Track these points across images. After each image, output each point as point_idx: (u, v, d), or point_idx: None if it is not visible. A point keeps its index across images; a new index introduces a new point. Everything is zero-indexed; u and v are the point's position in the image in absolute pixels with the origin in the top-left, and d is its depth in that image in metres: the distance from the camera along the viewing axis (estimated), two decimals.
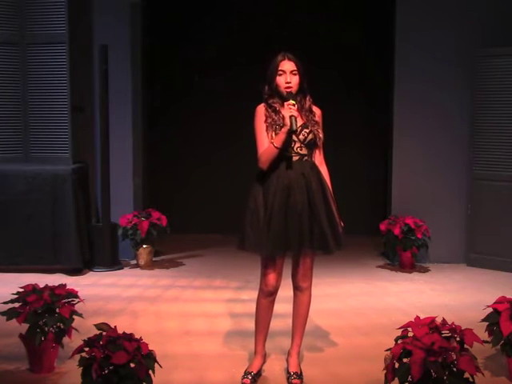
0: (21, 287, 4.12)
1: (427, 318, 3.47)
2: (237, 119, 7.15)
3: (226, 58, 8.06)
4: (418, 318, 3.50)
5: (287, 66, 3.77)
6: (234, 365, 4.09)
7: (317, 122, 3.85)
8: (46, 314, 3.93)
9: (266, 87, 3.83)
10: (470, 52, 6.60)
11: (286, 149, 3.73)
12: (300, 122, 3.76)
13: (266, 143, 3.74)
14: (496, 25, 6.58)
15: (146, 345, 3.43)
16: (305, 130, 3.79)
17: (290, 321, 4.04)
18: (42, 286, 4.11)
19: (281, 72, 3.77)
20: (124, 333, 3.44)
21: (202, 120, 8.15)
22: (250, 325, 4.14)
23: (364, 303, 5.48)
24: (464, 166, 6.75)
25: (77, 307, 4.07)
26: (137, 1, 6.93)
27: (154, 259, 6.81)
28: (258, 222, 3.73)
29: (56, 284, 4.15)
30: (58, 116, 6.45)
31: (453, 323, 3.44)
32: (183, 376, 3.98)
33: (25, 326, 3.94)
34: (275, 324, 4.13)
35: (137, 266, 6.65)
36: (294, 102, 3.70)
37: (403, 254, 6.60)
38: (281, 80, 3.77)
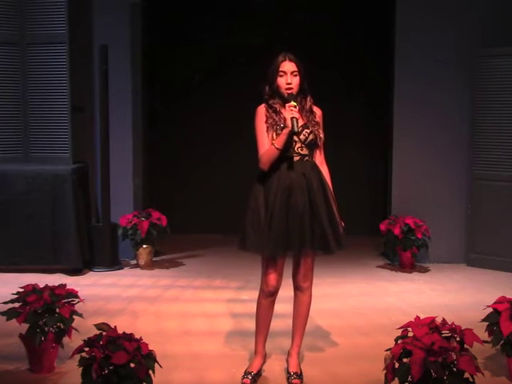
0: (21, 287, 4.12)
1: (427, 318, 3.47)
2: (237, 119, 7.16)
3: (226, 58, 8.06)
4: (417, 318, 3.50)
5: (288, 66, 3.77)
6: (234, 365, 4.09)
7: (317, 123, 3.85)
8: (45, 314, 3.93)
9: (267, 87, 3.83)
10: (470, 52, 6.60)
11: (287, 149, 3.74)
12: (301, 123, 3.76)
13: (267, 144, 3.74)
14: (496, 25, 6.58)
15: (146, 345, 3.43)
16: (305, 130, 3.79)
17: (290, 321, 4.04)
18: (41, 286, 4.11)
19: (281, 73, 3.77)
20: (124, 333, 3.44)
21: (202, 120, 8.15)
22: (250, 325, 4.15)
23: (364, 303, 5.48)
24: (464, 166, 6.75)
25: (77, 307, 4.07)
26: (137, 1, 6.93)
27: (154, 259, 6.81)
28: (258, 222, 3.73)
29: (56, 284, 4.15)
30: (58, 116, 6.45)
31: (453, 323, 3.44)
32: (183, 376, 3.98)
33: (25, 326, 3.93)
34: (275, 324, 4.13)
35: (137, 266, 6.65)
36: (295, 104, 3.70)
37: (403, 254, 6.60)
38: (281, 81, 3.77)
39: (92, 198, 6.85)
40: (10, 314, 3.97)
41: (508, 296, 3.99)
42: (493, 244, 6.55)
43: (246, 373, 3.89)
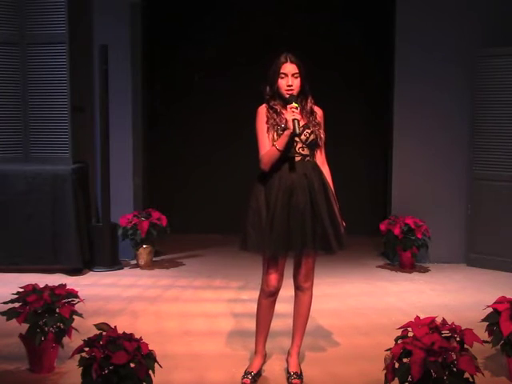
0: (21, 287, 4.13)
1: (427, 318, 3.47)
2: (237, 119, 7.16)
3: (226, 58, 8.06)
4: (417, 318, 3.50)
5: (289, 68, 3.76)
6: (234, 365, 4.09)
7: (318, 123, 3.85)
8: (46, 314, 3.93)
9: (268, 88, 3.83)
10: (470, 52, 6.60)
11: (288, 150, 3.74)
12: (301, 123, 3.76)
13: (268, 144, 3.74)
14: (496, 25, 6.58)
15: (146, 345, 3.43)
16: (306, 130, 3.79)
17: (290, 321, 4.04)
18: (42, 286, 4.11)
19: (282, 75, 3.77)
20: (124, 333, 3.44)
21: (202, 120, 8.15)
22: (250, 325, 4.15)
23: (364, 303, 5.48)
24: (464, 166, 6.75)
25: (77, 307, 4.07)
26: (137, 1, 6.93)
27: (154, 259, 6.81)
28: (260, 223, 3.73)
29: (56, 284, 4.15)
30: (58, 116, 6.45)
31: (453, 323, 3.44)
32: (183, 376, 3.98)
33: (25, 326, 3.93)
34: (276, 324, 4.13)
35: (137, 266, 6.65)
36: (296, 105, 3.71)
37: (403, 254, 6.60)
38: (282, 83, 3.77)
39: (92, 198, 6.85)
40: (9, 314, 3.97)
41: (508, 296, 3.99)
42: (493, 244, 6.55)
43: (246, 373, 3.89)
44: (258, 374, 3.93)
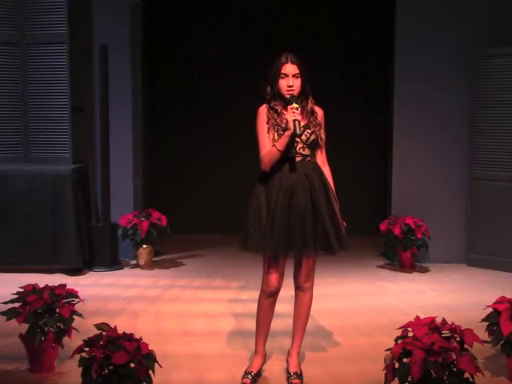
0: (21, 287, 4.12)
1: (427, 317, 3.47)
2: (237, 119, 7.16)
3: (226, 58, 8.06)
4: (417, 317, 3.50)
5: (290, 69, 3.76)
6: (234, 365, 4.09)
7: (319, 123, 3.85)
8: (46, 314, 3.93)
9: (268, 88, 3.83)
10: (470, 52, 6.60)
11: (288, 150, 3.74)
12: (302, 123, 3.76)
13: (268, 144, 3.74)
14: (496, 25, 6.58)
15: (146, 345, 3.43)
16: (307, 130, 3.79)
17: (290, 321, 4.04)
18: (41, 286, 4.11)
19: (283, 75, 3.77)
20: (124, 333, 3.44)
21: (202, 120, 8.14)
22: (250, 325, 4.15)
23: (364, 303, 5.48)
24: (464, 166, 6.75)
25: (77, 307, 4.07)
26: (137, 1, 6.93)
27: (154, 259, 6.81)
28: (260, 223, 3.73)
29: (56, 284, 4.15)
30: (58, 116, 6.45)
31: (453, 323, 3.44)
32: (183, 376, 3.98)
33: (25, 326, 3.93)
34: (276, 324, 4.13)
35: (137, 266, 6.65)
36: (297, 106, 3.71)
37: (403, 254, 6.60)
38: (283, 83, 3.77)
39: (92, 198, 6.85)
40: (10, 314, 3.97)
41: (508, 296, 3.99)
42: (493, 244, 6.55)
43: (246, 373, 3.89)
44: (258, 374, 3.93)
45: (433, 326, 3.39)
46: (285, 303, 4.30)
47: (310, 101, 3.86)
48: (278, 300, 3.90)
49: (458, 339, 3.34)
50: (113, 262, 6.52)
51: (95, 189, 6.82)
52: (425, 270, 6.61)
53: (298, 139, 3.75)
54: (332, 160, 4.00)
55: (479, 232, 6.67)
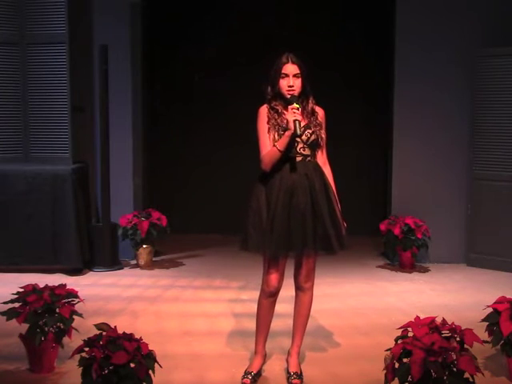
0: (21, 287, 4.12)
1: (427, 318, 3.47)
2: (237, 119, 7.17)
3: (226, 58, 8.06)
4: (417, 317, 3.50)
5: (290, 69, 3.76)
6: (234, 365, 4.09)
7: (319, 123, 3.85)
8: (46, 314, 3.93)
9: (269, 88, 3.83)
10: (470, 52, 6.60)
11: (289, 150, 3.74)
12: (303, 123, 3.76)
13: (269, 144, 3.74)
14: (496, 25, 6.58)
15: (146, 345, 3.43)
16: (307, 130, 3.79)
17: (290, 321, 4.04)
18: (42, 286, 4.11)
19: (284, 75, 3.77)
20: (124, 333, 3.44)
21: (202, 120, 8.15)
22: (250, 325, 4.15)
23: (364, 303, 5.48)
24: (464, 166, 6.75)
25: (77, 307, 4.07)
26: (137, 1, 6.93)
27: (154, 259, 6.81)
28: (260, 223, 3.73)
29: (56, 284, 4.15)
30: (58, 116, 6.45)
31: (453, 323, 3.44)
32: (183, 376, 3.98)
33: (25, 326, 3.93)
34: (276, 324, 4.13)
35: (137, 266, 6.65)
36: (298, 106, 3.71)
37: (403, 254, 6.60)
38: (283, 83, 3.77)
39: (92, 198, 6.85)
40: (10, 314, 3.97)
41: (508, 296, 3.99)
42: (493, 244, 6.55)
43: (246, 373, 3.89)
44: (258, 374, 3.93)
45: (433, 325, 3.39)
46: (285, 303, 4.30)
47: (310, 101, 3.86)
48: (278, 300, 3.90)
49: (457, 339, 3.34)
50: (113, 262, 6.52)
51: (95, 189, 6.82)
52: (425, 270, 6.61)
53: (298, 139, 3.75)
54: (332, 160, 4.00)
55: (479, 232, 6.67)
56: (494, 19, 6.60)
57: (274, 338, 4.30)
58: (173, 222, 6.89)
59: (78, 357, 3.42)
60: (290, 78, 3.76)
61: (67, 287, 4.14)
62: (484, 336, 3.77)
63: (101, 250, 6.47)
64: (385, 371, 3.37)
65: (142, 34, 7.10)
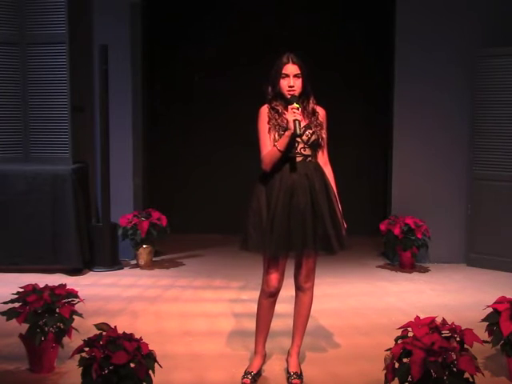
0: (21, 287, 4.12)
1: (427, 318, 3.47)
2: (237, 119, 7.17)
3: (226, 58, 8.06)
4: (417, 317, 3.50)
5: (291, 69, 3.76)
6: (234, 365, 4.09)
7: (320, 123, 3.85)
8: (46, 314, 3.93)
9: (270, 88, 3.83)
10: (470, 52, 6.60)
11: (289, 150, 3.74)
12: (303, 124, 3.76)
13: (269, 144, 3.74)
14: (496, 25, 6.58)
15: (146, 345, 3.43)
16: (308, 131, 3.79)
17: (290, 321, 4.04)
18: (41, 286, 4.11)
19: (284, 75, 3.77)
20: (124, 333, 3.44)
21: (202, 120, 8.14)
22: (250, 325, 4.15)
23: (364, 303, 5.48)
24: (464, 166, 6.75)
25: (77, 307, 4.07)
26: (137, 1, 6.93)
27: (154, 259, 6.81)
28: (260, 223, 3.73)
29: (56, 284, 4.15)
30: (58, 116, 6.45)
31: (453, 323, 3.44)
32: (183, 376, 3.98)
33: (25, 326, 3.93)
34: (276, 324, 4.14)
35: (137, 265, 6.65)
36: (298, 106, 3.71)
37: (403, 254, 6.60)
38: (284, 83, 3.77)
39: (92, 198, 6.85)
40: (9, 314, 3.97)
41: (508, 296, 3.99)
42: (493, 244, 6.55)
43: (246, 373, 3.89)
44: (258, 373, 3.93)
45: (433, 326, 3.39)
46: (285, 303, 4.30)
47: (311, 101, 3.86)
48: (278, 300, 3.90)
49: (458, 339, 3.34)
50: (113, 262, 6.52)
51: (95, 189, 6.82)
52: (425, 270, 6.61)
53: (298, 139, 3.75)
54: (332, 160, 3.99)
55: (479, 232, 6.67)
56: (494, 19, 6.60)
57: (273, 338, 4.30)
58: (173, 221, 6.89)
59: (77, 357, 3.42)
60: (291, 78, 3.76)
61: (67, 287, 4.14)
62: (484, 336, 3.77)
63: (101, 250, 6.47)
64: (385, 371, 3.37)
65: (141, 34, 7.10)
